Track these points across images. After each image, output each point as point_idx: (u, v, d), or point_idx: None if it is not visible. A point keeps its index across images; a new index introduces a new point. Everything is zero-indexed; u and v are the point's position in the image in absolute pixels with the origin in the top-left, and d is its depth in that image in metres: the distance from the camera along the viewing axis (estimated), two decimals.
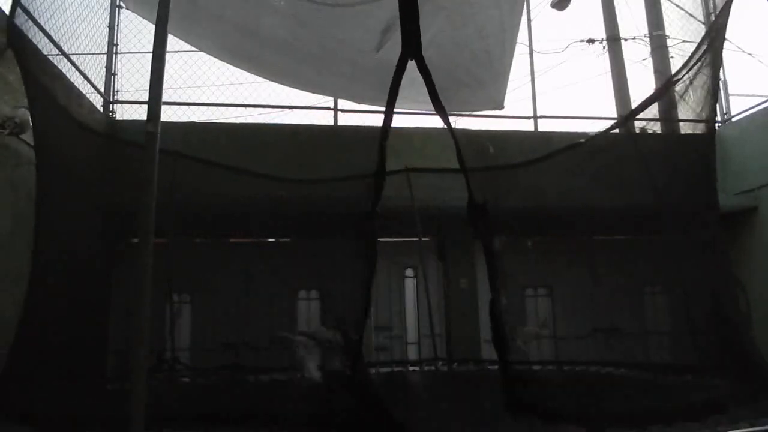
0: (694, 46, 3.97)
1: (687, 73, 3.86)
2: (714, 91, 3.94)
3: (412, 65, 2.70)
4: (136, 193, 2.42)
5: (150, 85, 2.31)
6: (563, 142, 5.35)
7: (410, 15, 2.59)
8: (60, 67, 4.63)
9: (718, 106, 7.60)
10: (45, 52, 4.19)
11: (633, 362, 5.45)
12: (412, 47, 2.62)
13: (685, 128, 4.89)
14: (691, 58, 3.85)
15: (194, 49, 6.32)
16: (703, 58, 3.77)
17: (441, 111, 2.75)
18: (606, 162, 4.52)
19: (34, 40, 3.99)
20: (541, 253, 6.54)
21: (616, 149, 4.62)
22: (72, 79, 5.02)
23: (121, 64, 6.33)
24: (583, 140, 4.71)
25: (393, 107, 2.85)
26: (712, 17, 7.00)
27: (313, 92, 6.69)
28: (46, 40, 4.27)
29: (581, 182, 4.78)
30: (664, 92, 4.36)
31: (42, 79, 3.80)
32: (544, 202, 5.16)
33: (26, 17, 3.88)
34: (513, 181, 4.97)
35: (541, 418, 2.22)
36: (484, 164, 4.79)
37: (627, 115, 5.45)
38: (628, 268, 6.21)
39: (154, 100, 2.30)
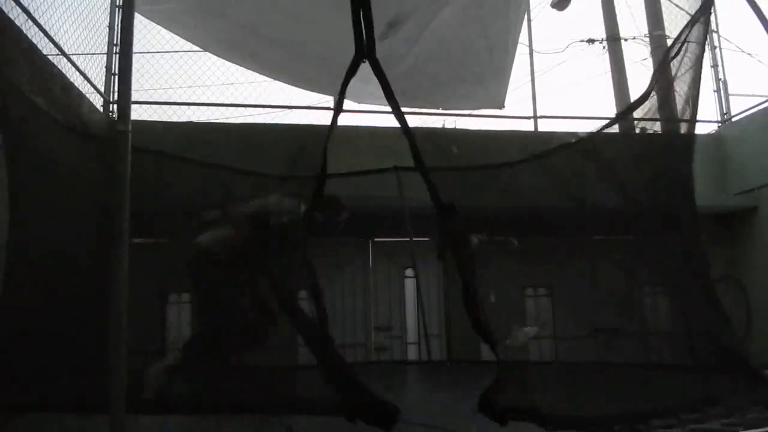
0: (694, 45, 3.97)
1: (671, 62, 3.85)
2: (696, 91, 3.94)
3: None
4: (133, 193, 2.41)
5: (119, 83, 2.31)
6: (564, 142, 5.36)
7: (363, 15, 2.53)
8: (60, 67, 4.61)
9: (718, 106, 7.64)
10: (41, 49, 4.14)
11: (626, 362, 5.46)
12: (364, 48, 2.54)
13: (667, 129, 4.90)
14: (672, 46, 3.84)
15: (194, 49, 6.33)
16: (684, 54, 3.77)
17: (396, 111, 2.73)
18: (599, 162, 4.53)
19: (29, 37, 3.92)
20: (541, 253, 6.54)
21: (606, 149, 4.63)
22: (72, 79, 5.02)
23: None
24: (574, 140, 4.73)
25: (341, 108, 2.83)
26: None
27: (313, 90, 6.69)
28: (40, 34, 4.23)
29: (579, 181, 4.78)
30: (653, 87, 4.35)
31: (22, 74, 3.68)
32: (544, 202, 5.17)
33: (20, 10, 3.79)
34: (513, 181, 4.99)
35: (527, 421, 2.19)
36: (448, 164, 4.82)
37: (618, 114, 5.46)
38: (627, 268, 6.22)
39: (124, 98, 2.29)
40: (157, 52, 6.24)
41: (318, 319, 3.14)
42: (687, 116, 4.05)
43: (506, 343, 4.96)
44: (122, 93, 2.30)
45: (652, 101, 4.26)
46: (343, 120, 6.94)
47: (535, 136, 7.22)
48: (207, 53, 6.32)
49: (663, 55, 3.96)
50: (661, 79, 4.06)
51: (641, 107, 4.28)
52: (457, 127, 7.10)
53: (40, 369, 3.32)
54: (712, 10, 4.01)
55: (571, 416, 2.46)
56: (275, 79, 6.29)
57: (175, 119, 6.23)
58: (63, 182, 4.10)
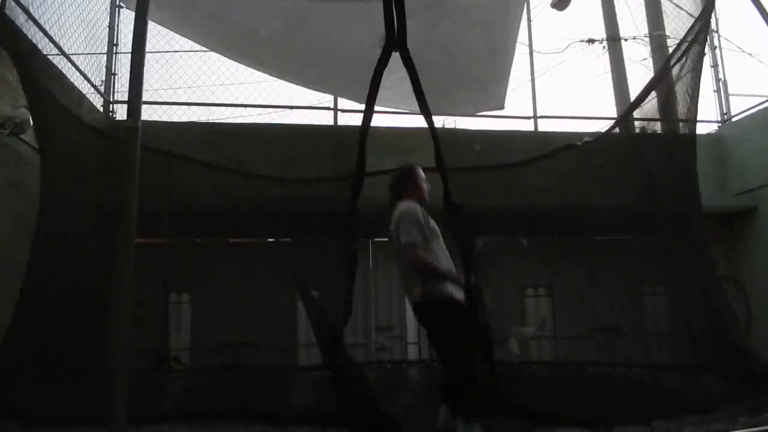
0: (695, 46, 3.97)
1: (674, 66, 3.87)
2: (696, 91, 3.94)
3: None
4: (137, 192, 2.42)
5: (130, 80, 2.28)
6: (564, 142, 5.36)
7: (395, 5, 2.49)
8: (60, 67, 4.62)
9: (718, 106, 7.63)
10: (41, 49, 4.15)
11: (623, 362, 5.47)
12: (395, 38, 2.49)
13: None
14: (675, 51, 3.86)
15: (194, 49, 6.32)
16: (687, 56, 3.78)
17: (424, 109, 2.68)
18: (602, 162, 4.54)
19: (29, 37, 3.94)
20: (541, 253, 6.55)
21: (610, 149, 4.64)
22: (72, 79, 5.03)
23: (121, 64, 6.34)
24: (579, 143, 4.73)
25: (374, 103, 2.76)
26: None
27: (316, 90, 6.65)
28: (42, 36, 4.23)
29: (578, 182, 4.79)
30: (654, 87, 4.35)
31: (42, 79, 3.75)
32: (544, 202, 5.17)
33: (20, 10, 3.80)
34: (511, 181, 4.99)
35: (523, 419, 2.18)
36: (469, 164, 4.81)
37: (622, 115, 5.47)
38: (627, 268, 6.23)
39: (135, 95, 2.26)
40: (157, 52, 6.24)
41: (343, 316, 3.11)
42: (689, 115, 4.05)
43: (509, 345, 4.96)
44: (133, 89, 2.25)
45: (654, 101, 4.28)
46: (343, 120, 6.99)
47: (535, 135, 7.22)
48: (207, 54, 6.32)
49: (666, 60, 3.95)
50: (663, 80, 4.07)
51: (642, 108, 4.29)
52: (457, 127, 7.11)
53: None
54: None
55: (567, 415, 2.45)
56: (278, 78, 6.24)
57: (175, 119, 6.23)
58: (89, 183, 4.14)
